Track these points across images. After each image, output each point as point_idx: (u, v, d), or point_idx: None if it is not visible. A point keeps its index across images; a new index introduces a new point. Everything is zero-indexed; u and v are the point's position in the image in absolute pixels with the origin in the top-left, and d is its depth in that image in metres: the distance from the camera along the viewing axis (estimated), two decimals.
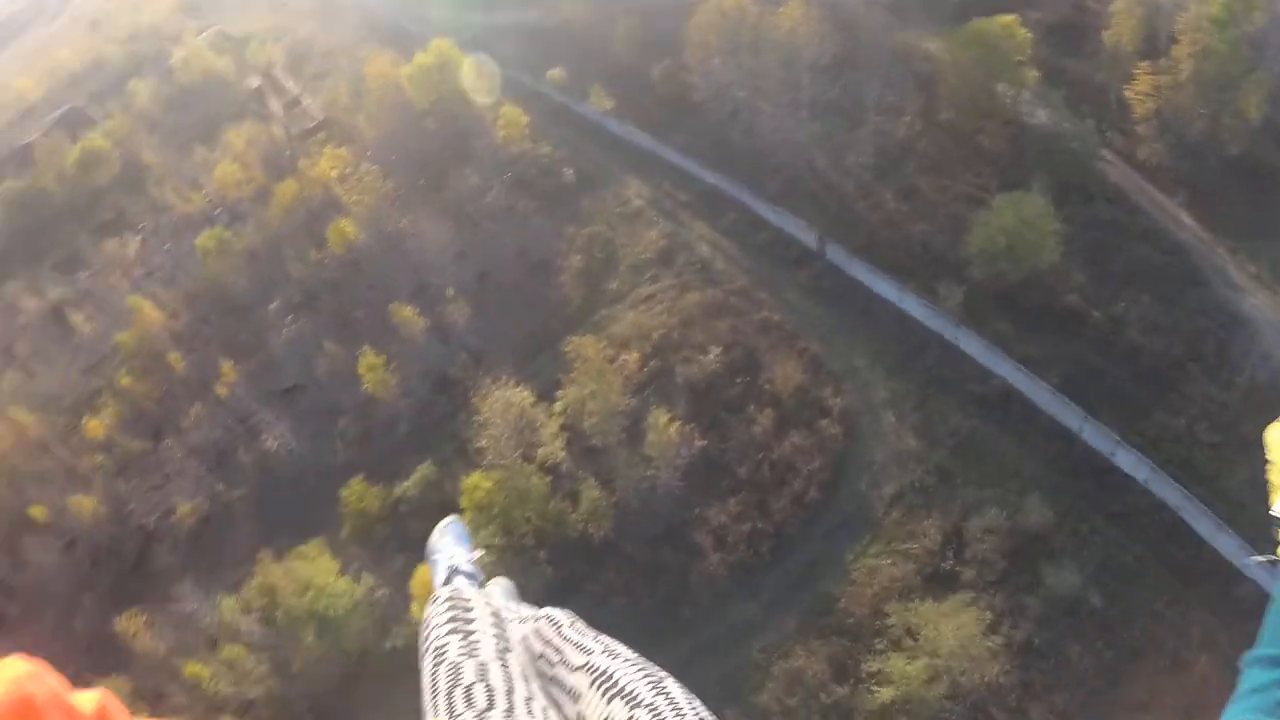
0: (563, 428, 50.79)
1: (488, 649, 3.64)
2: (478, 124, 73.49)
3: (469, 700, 3.35)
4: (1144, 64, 67.62)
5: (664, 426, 47.43)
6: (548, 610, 4.26)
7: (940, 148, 69.51)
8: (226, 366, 62.03)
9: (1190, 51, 64.97)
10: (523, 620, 4.24)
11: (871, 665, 42.67)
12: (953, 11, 77.51)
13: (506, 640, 3.79)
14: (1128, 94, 67.99)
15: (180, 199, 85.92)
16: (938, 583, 44.47)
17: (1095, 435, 48.82)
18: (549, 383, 53.37)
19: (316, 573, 46.75)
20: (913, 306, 56.62)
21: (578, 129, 75.92)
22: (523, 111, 72.65)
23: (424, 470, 51.50)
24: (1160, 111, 67.45)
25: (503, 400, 49.05)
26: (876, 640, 43.65)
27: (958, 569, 44.49)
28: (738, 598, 45.73)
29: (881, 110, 69.39)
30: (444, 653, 3.62)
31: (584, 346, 51.89)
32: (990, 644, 41.49)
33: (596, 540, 47.44)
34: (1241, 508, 46.48)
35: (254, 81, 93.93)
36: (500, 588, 5.07)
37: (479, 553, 5.10)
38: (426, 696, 3.51)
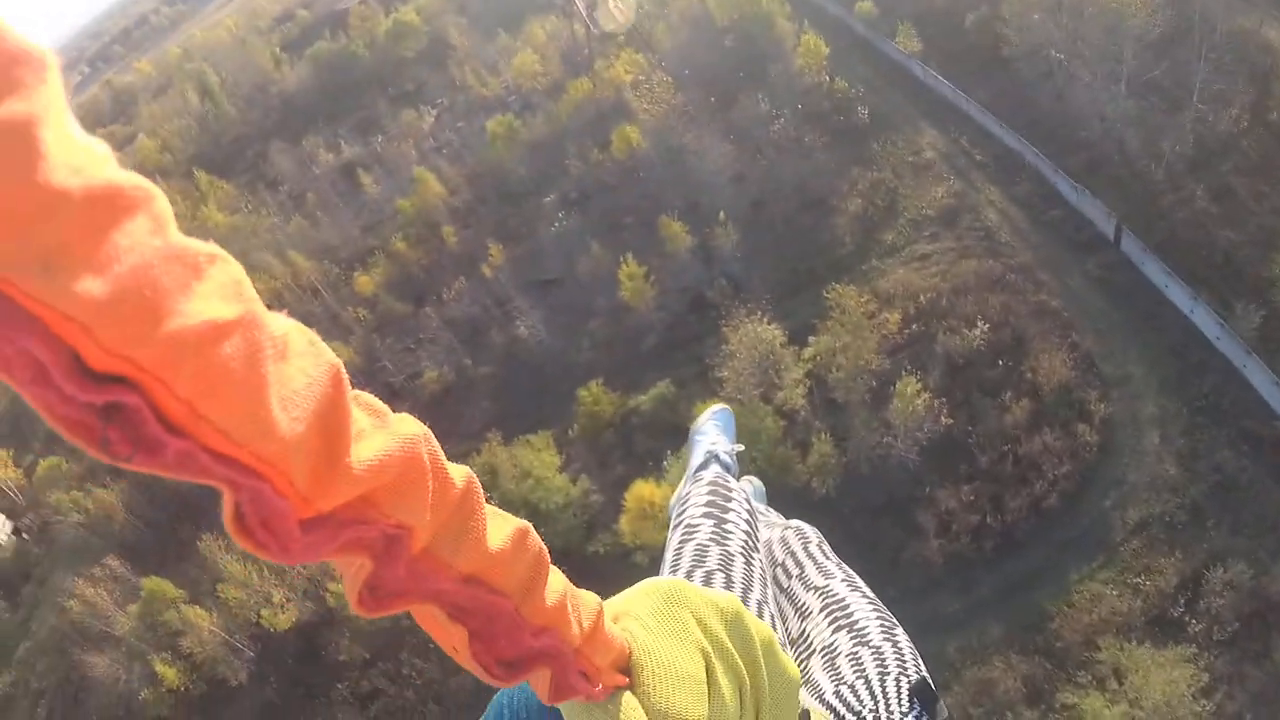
0: (808, 375, 49.54)
1: (737, 541, 3.60)
2: (776, 48, 71.73)
3: (707, 583, 3.31)
4: None
5: (912, 395, 45.49)
6: (798, 523, 4.37)
7: (1265, 150, 63.46)
8: (495, 249, 63.87)
9: None
10: (771, 525, 4.34)
11: (1068, 697, 40.08)
12: None
13: (755, 539, 3.74)
14: None
15: (478, 81, 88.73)
16: (1161, 628, 40.99)
17: None
18: (803, 326, 52.06)
19: (538, 464, 47.89)
20: (1204, 321, 51.67)
21: (878, 68, 73.20)
22: (824, 42, 70.46)
23: (662, 388, 51.32)
24: None
25: (753, 334, 48.24)
26: (1080, 672, 40.87)
27: (1186, 618, 40.78)
28: (948, 589, 43.62)
29: (1207, 98, 63.55)
30: (695, 531, 3.61)
31: (845, 296, 50.54)
32: (1199, 709, 38.06)
33: (817, 496, 45.52)
34: None
35: None
36: (752, 486, 5.07)
37: (739, 446, 4.97)
38: (666, 568, 3.52)
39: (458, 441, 53.70)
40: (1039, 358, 49.77)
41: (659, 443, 48.33)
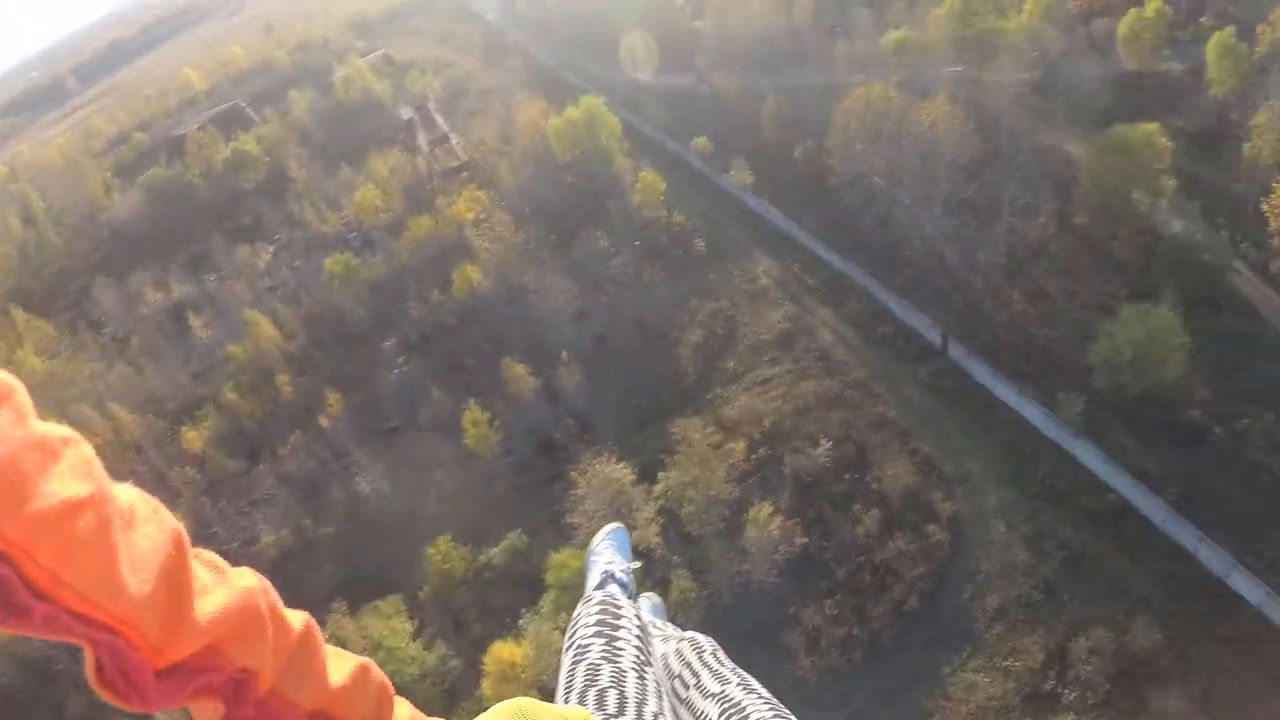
0: (660, 511, 49.26)
1: (628, 658, 3.63)
2: (616, 185, 73.28)
3: (600, 702, 3.37)
4: None
5: (765, 520, 45.97)
6: (692, 634, 4.34)
7: (1071, 252, 68.05)
8: (332, 397, 62.02)
9: None
10: (666, 639, 4.32)
11: None
12: (1096, 117, 76.48)
13: (648, 654, 3.77)
14: (1265, 207, 65.94)
15: (317, 216, 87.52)
16: (1038, 703, 42.36)
17: (1211, 556, 46.92)
18: (651, 461, 51.96)
19: (389, 633, 45.53)
20: (1032, 413, 55.03)
21: (714, 201, 75.38)
22: (661, 177, 72.34)
23: (513, 539, 50.06)
24: None
25: (602, 475, 47.72)
26: None
27: (1059, 690, 42.40)
28: (826, 704, 43.37)
29: (1016, 211, 67.96)
30: (586, 651, 3.64)
31: (690, 430, 50.80)
32: None
33: (684, 631, 45.38)
34: None
35: (407, 113, 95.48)
36: (650, 603, 5.14)
37: (636, 564, 4.99)
38: (560, 690, 3.54)
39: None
40: (883, 467, 51.34)
41: (515, 597, 47.33)
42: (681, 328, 62.21)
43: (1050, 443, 53.28)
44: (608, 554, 5.02)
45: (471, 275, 66.47)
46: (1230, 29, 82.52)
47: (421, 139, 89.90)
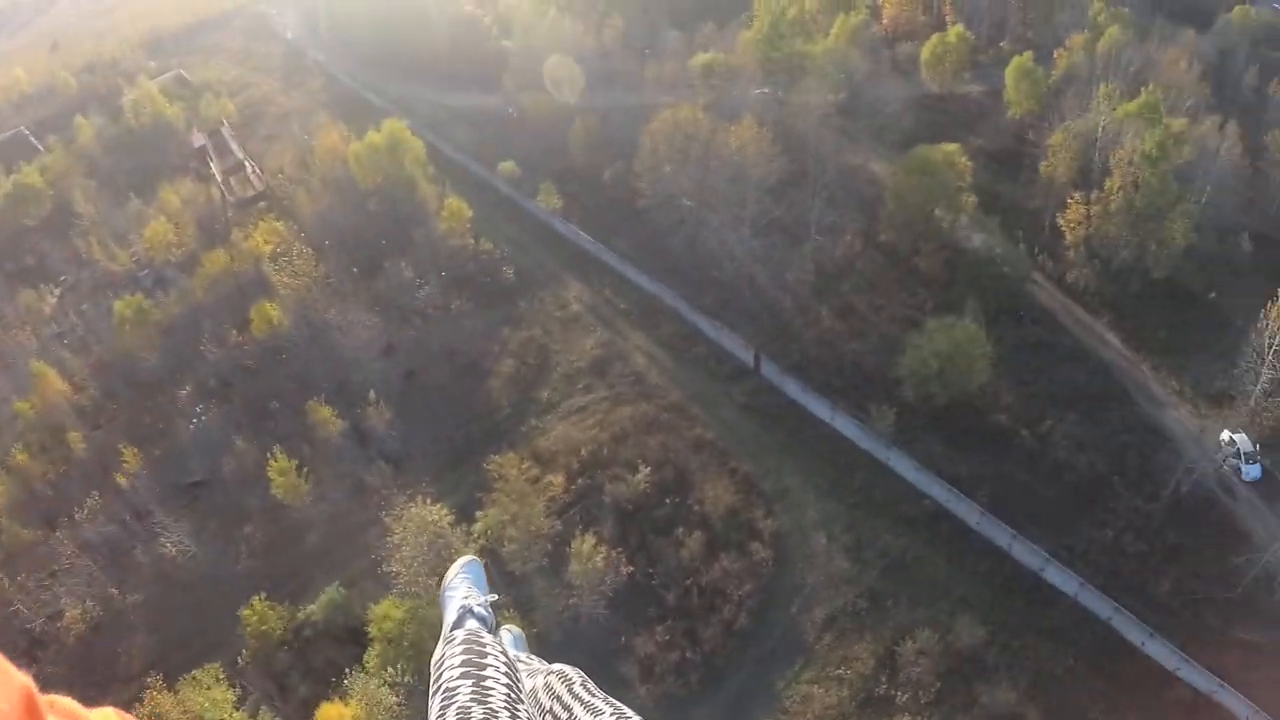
0: (481, 551, 48.07)
1: (498, 697, 3.57)
2: (420, 212, 71.80)
3: None
4: (1077, 194, 71.02)
5: (589, 553, 45.61)
6: (560, 666, 4.36)
7: (878, 269, 70.55)
8: (130, 452, 57.86)
9: (1122, 184, 68.73)
10: (533, 673, 4.31)
11: None
12: (900, 138, 79.68)
13: (519, 691, 3.72)
14: (1060, 221, 71.14)
15: (106, 254, 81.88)
16: (873, 708, 43.83)
17: (1025, 552, 49.59)
18: (469, 500, 51.03)
19: (210, 706, 42.41)
20: (845, 426, 56.72)
21: (523, 226, 74.75)
22: (467, 203, 71.24)
23: (331, 593, 47.82)
24: (1090, 238, 70.78)
25: (418, 520, 46.22)
26: None
27: (892, 692, 43.87)
28: None
29: (823, 230, 69.99)
30: (455, 695, 3.55)
31: (506, 465, 49.93)
32: None
33: None
34: (1170, 614, 47.63)
35: (199, 139, 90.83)
36: (511, 634, 4.98)
37: (493, 596, 4.75)
38: None
39: (118, 689, 47.56)
40: (703, 489, 51.94)
41: (340, 654, 45.45)
42: (493, 359, 61.37)
43: (865, 454, 55.19)
44: (463, 588, 4.81)
45: (270, 313, 63.76)
46: (1028, 54, 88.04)
47: (215, 167, 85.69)
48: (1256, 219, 78.00)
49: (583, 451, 53.89)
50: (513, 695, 3.64)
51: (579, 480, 52.58)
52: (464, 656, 3.81)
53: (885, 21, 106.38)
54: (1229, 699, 44.07)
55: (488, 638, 4.10)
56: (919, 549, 50.15)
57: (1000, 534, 50.43)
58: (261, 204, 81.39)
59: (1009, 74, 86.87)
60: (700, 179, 67.99)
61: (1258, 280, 68.71)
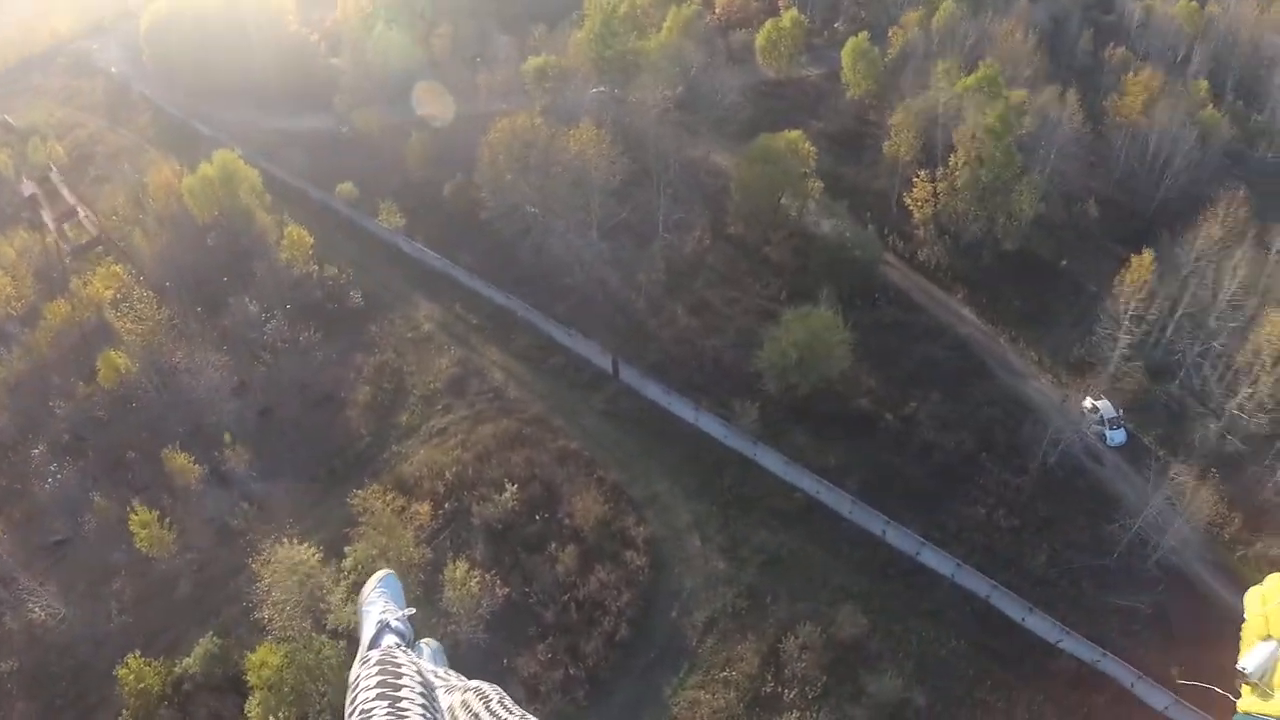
0: (353, 589, 48.41)
1: (414, 717, 3.60)
2: (260, 243, 71.04)
3: None
4: (922, 172, 73.16)
5: (463, 578, 46.05)
6: (477, 683, 4.25)
7: (729, 261, 71.76)
8: None
9: (967, 159, 70.83)
10: (450, 689, 4.21)
11: None
12: (741, 128, 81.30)
13: (435, 710, 3.74)
14: (907, 200, 73.30)
15: None
16: (761, 707, 44.73)
17: (899, 537, 51.36)
18: (337, 535, 50.84)
19: None
20: (710, 425, 57.68)
21: (366, 247, 74.51)
22: (308, 230, 70.87)
23: (207, 644, 47.33)
24: (938, 215, 73.11)
25: (286, 563, 46.38)
26: None
27: (780, 690, 44.84)
28: None
29: (671, 228, 70.99)
30: (370, 716, 3.59)
31: (371, 498, 50.07)
32: None
33: None
34: (1048, 586, 50.39)
35: (29, 188, 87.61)
36: (430, 649, 4.95)
37: (411, 610, 4.80)
38: None
39: None
40: (573, 502, 52.41)
41: (222, 704, 45.31)
42: (348, 387, 61.41)
43: (732, 451, 56.46)
44: (380, 603, 4.86)
45: (117, 361, 62.66)
46: (864, 34, 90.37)
47: (47, 215, 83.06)
48: (1101, 183, 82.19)
49: (447, 475, 54.18)
50: (429, 715, 3.66)
51: (446, 505, 52.87)
52: (379, 678, 3.83)
53: (717, 11, 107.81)
54: (1112, 667, 46.42)
55: (402, 656, 4.14)
56: (794, 543, 51.48)
57: (874, 521, 52.08)
58: (98, 249, 79.19)
59: (845, 55, 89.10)
60: (542, 186, 68.58)
61: (1106, 245, 74.05)
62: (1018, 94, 78.14)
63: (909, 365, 63.00)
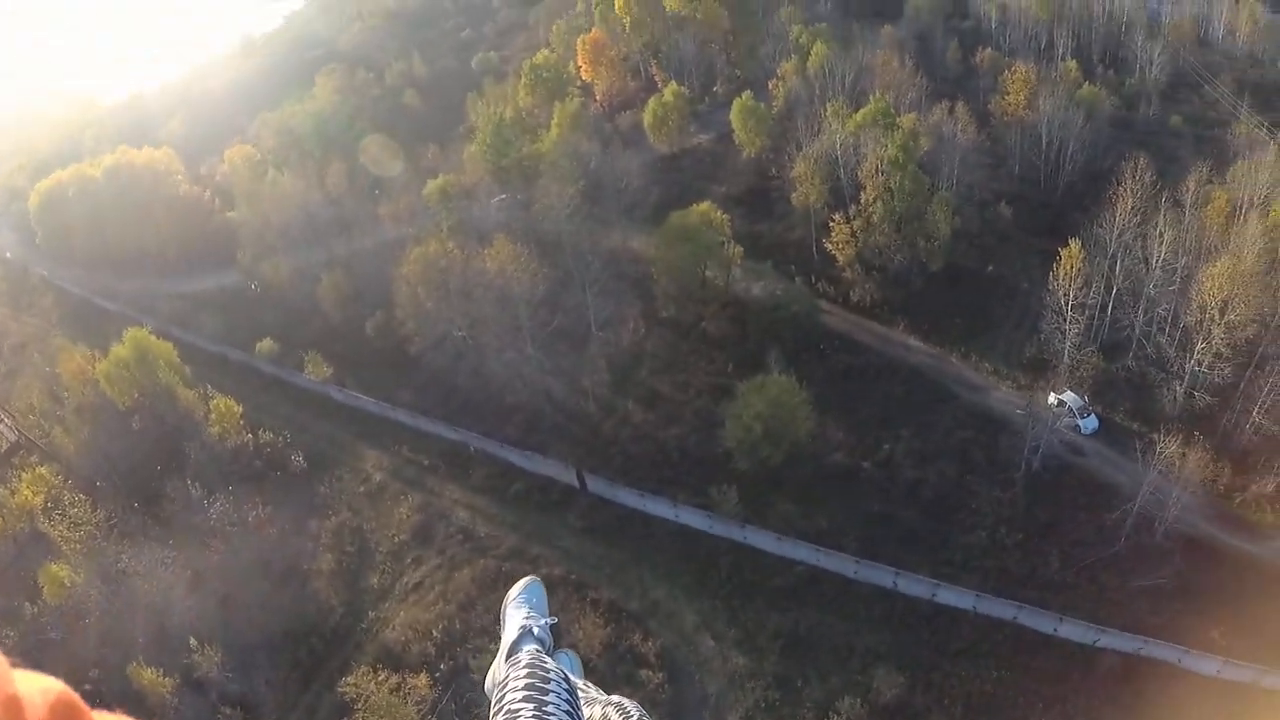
0: None
1: None
2: (188, 420, 67.86)
3: None
4: (836, 215, 73.45)
5: None
6: (619, 698, 4.42)
7: (669, 344, 70.80)
8: None
9: (877, 193, 71.63)
10: (591, 702, 4.35)
11: None
12: (651, 210, 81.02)
13: (579, 717, 3.71)
14: (828, 246, 73.67)
15: None
16: None
17: (911, 584, 50.24)
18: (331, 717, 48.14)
19: None
20: (692, 518, 56.00)
21: (299, 403, 72.06)
22: (236, 398, 68.17)
23: None
24: (861, 253, 73.52)
25: None
26: None
27: None
28: None
29: (603, 324, 69.90)
30: (517, 717, 3.54)
31: (362, 683, 47.22)
32: None
33: None
34: (1068, 590, 49.74)
35: None
36: (569, 659, 4.87)
37: (554, 619, 4.80)
38: None
39: None
40: (571, 630, 49.44)
41: None
42: (309, 557, 58.33)
43: (721, 539, 54.73)
44: (526, 608, 4.86)
45: (60, 575, 58.77)
46: (746, 93, 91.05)
47: None
48: (1005, 183, 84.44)
49: (434, 633, 51.60)
50: None
51: (441, 666, 50.07)
52: (527, 679, 3.81)
53: (599, 98, 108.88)
54: (1155, 650, 46.24)
55: (550, 663, 4.10)
56: (809, 618, 50.01)
57: (882, 574, 51.08)
58: (20, 453, 75.58)
59: (734, 116, 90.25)
60: (467, 309, 66.85)
61: (1026, 241, 76.01)
62: (908, 118, 79.85)
63: (872, 408, 62.70)
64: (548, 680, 3.83)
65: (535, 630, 4.61)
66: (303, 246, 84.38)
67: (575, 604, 51.83)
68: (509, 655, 4.34)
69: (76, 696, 1.92)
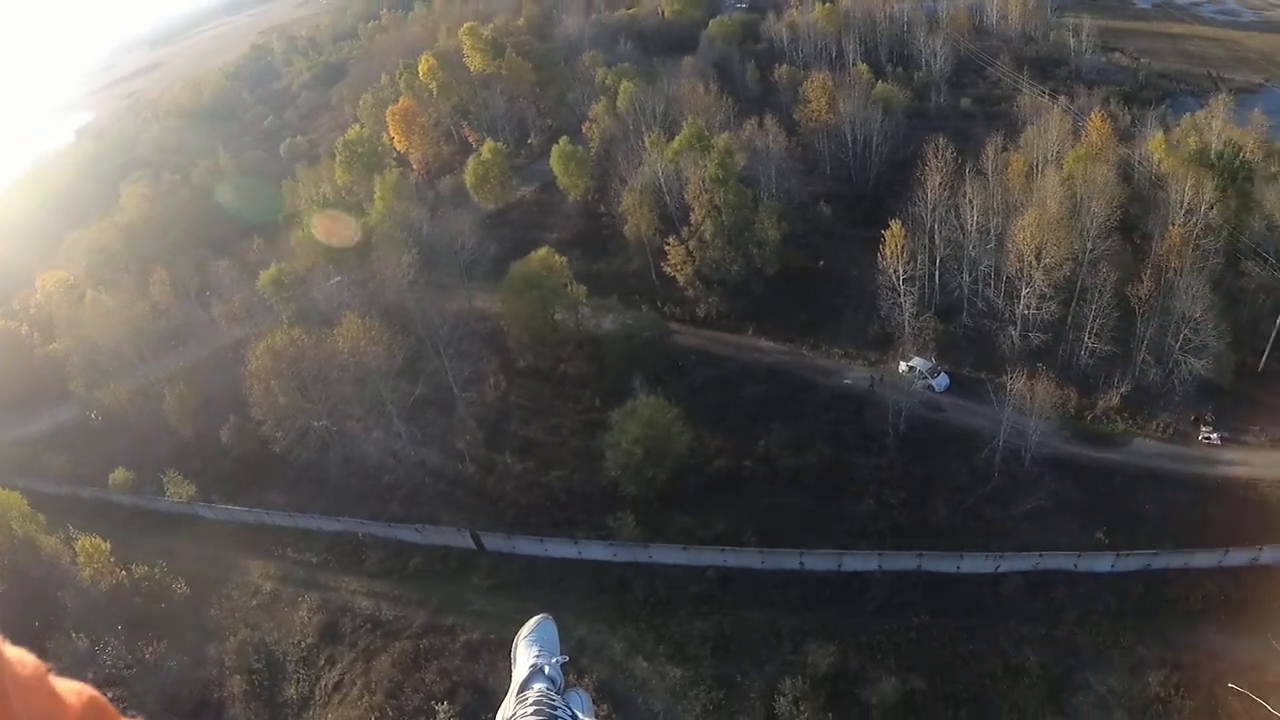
0: None
1: None
2: (55, 569, 63.72)
3: None
4: (670, 239, 77.08)
5: None
6: None
7: (533, 394, 71.63)
8: None
9: (705, 212, 75.42)
10: None
11: None
12: (490, 266, 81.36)
13: None
14: (666, 269, 77.25)
15: None
16: None
17: (816, 560, 52.90)
18: None
19: None
20: (595, 551, 56.58)
21: (168, 529, 68.50)
22: (101, 536, 64.15)
23: None
24: (699, 270, 77.23)
25: None
26: None
27: None
28: None
29: (465, 385, 69.68)
30: None
31: None
32: None
33: None
34: (960, 532, 53.58)
35: None
36: (579, 698, 4.80)
37: (565, 657, 4.80)
38: None
39: None
40: (501, 692, 48.62)
41: None
42: (218, 685, 55.42)
43: (628, 565, 55.54)
44: (535, 647, 4.84)
45: None
46: (564, 138, 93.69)
47: None
48: (820, 184, 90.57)
49: None
50: None
51: None
52: (535, 716, 3.87)
53: (417, 166, 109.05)
54: (1051, 561, 50.58)
55: (559, 700, 4.16)
56: (731, 616, 51.38)
57: (787, 559, 53.29)
58: None
59: (554, 163, 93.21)
60: (325, 393, 65.25)
61: (847, 233, 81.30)
62: (722, 138, 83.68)
63: (740, 411, 65.35)
64: (555, 716, 3.92)
65: (546, 669, 4.62)
66: (139, 365, 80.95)
67: (503, 663, 50.56)
68: (519, 693, 4.37)
69: (105, 700, 2.12)
